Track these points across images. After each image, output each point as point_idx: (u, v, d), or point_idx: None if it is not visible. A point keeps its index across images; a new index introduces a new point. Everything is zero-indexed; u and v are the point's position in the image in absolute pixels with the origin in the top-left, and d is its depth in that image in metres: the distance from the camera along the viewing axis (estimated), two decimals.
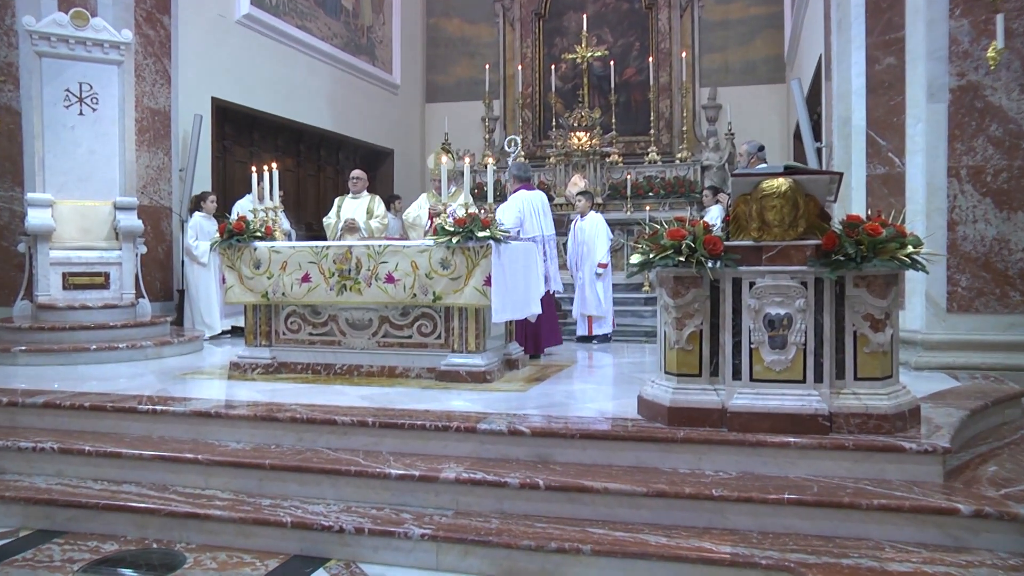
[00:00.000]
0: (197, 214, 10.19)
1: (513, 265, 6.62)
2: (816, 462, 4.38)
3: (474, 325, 6.50)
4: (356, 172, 9.90)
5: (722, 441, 4.48)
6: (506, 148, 14.33)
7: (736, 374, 4.61)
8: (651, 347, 9.17)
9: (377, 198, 9.70)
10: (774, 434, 4.44)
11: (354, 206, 9.53)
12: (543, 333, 8.12)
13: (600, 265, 9.61)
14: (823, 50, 9.14)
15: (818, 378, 4.50)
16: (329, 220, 9.57)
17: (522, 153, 15.14)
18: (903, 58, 7.25)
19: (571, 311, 10.12)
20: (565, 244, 10.31)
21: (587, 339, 9.58)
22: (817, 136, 9.63)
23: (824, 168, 8.49)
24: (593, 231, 9.78)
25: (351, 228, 9.27)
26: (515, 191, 8.57)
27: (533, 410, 5.29)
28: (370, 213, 9.46)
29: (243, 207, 9.85)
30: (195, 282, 10.02)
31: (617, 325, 10.49)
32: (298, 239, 10.43)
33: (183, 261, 10.20)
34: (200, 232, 10.01)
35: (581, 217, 9.96)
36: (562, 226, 10.78)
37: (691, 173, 14.43)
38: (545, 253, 8.22)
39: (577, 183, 13.45)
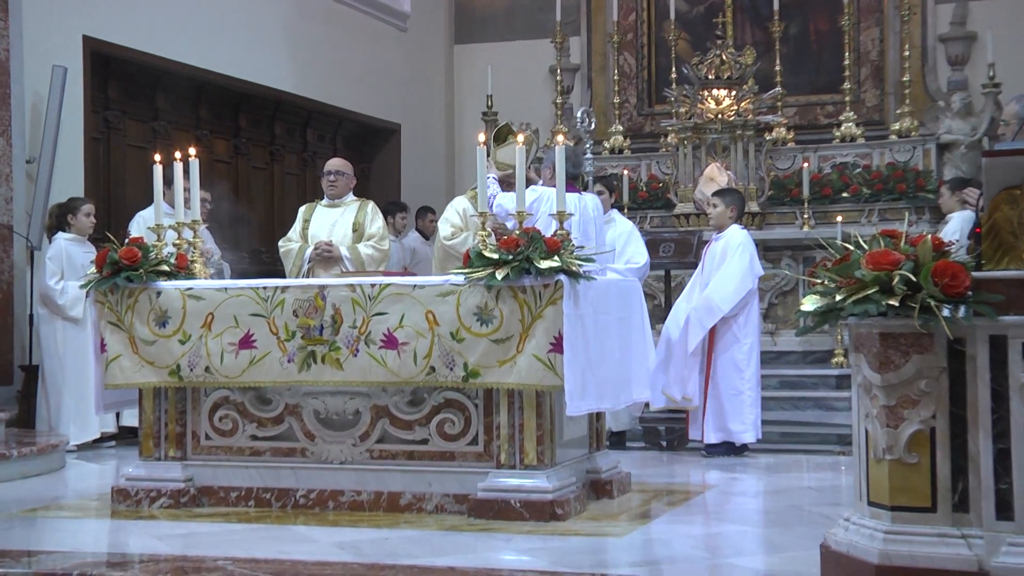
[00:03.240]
0: (61, 236, 10.33)
1: (602, 317, 6.64)
2: None
3: (534, 421, 6.47)
4: (335, 163, 10.02)
5: None
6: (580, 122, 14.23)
7: (1003, 509, 4.54)
8: (849, 461, 9.07)
9: (371, 206, 9.80)
10: None
11: (331, 220, 9.64)
12: None
13: (711, 309, 9.39)
14: None
15: None
16: (289, 244, 9.67)
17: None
18: None
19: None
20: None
21: (726, 450, 9.45)
22: None
23: None
24: (723, 256, 9.60)
25: (325, 257, 9.36)
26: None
27: (635, 568, 5.27)
28: (358, 232, 9.55)
29: (146, 221, 9.98)
30: (56, 350, 10.16)
31: (790, 423, 10.39)
32: (235, 275, 10.56)
33: (33, 315, 10.36)
34: (67, 266, 10.16)
35: (717, 235, 9.81)
36: (690, 253, 10.75)
37: (918, 157, 14.31)
38: None
39: (714, 177, 13.42)
